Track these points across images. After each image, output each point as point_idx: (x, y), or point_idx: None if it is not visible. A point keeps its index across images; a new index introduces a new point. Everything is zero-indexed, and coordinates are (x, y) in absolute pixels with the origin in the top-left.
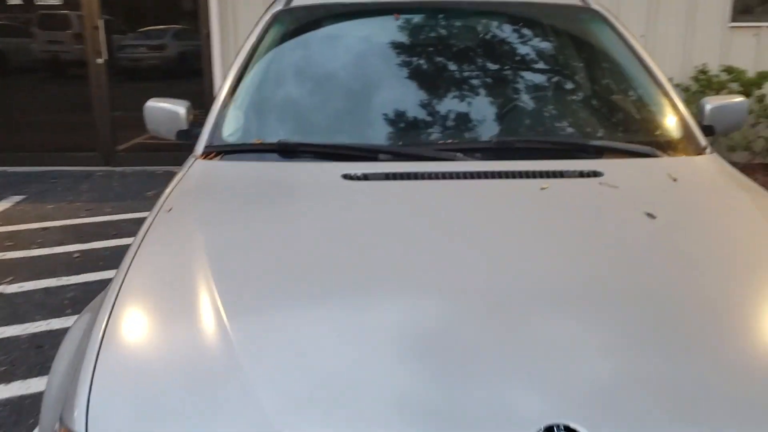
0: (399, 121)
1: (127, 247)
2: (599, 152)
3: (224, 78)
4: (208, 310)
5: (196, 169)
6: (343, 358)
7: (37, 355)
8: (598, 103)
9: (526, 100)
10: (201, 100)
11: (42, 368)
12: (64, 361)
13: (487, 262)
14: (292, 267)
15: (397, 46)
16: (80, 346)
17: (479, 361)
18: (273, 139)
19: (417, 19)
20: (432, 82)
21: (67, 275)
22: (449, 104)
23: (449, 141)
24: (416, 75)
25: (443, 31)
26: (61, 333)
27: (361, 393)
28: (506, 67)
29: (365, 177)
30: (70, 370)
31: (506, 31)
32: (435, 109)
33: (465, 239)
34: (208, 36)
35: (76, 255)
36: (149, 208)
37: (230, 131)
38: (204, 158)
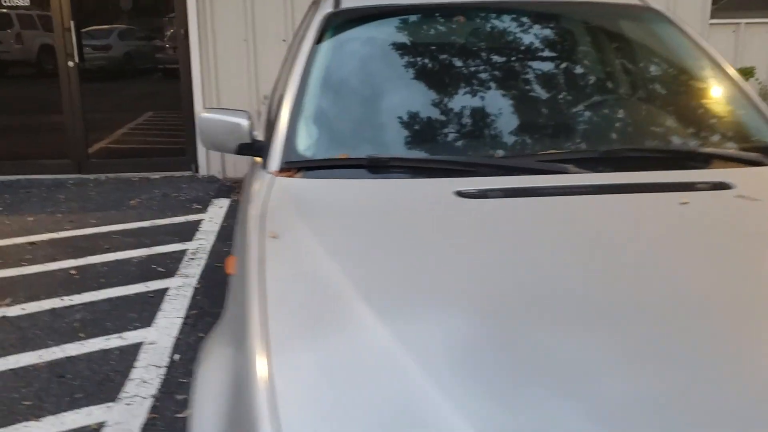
0: (491, 131)
1: (125, 261)
2: (706, 161)
3: (285, 86)
4: (386, 348)
5: (281, 187)
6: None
7: (61, 387)
8: (693, 108)
9: (622, 107)
10: (178, 101)
11: (71, 401)
12: (210, 424)
13: (656, 288)
14: (452, 293)
15: (469, 50)
16: (235, 411)
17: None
18: (354, 152)
19: (478, 20)
20: (516, 86)
21: (69, 294)
22: (544, 111)
23: (553, 151)
24: (497, 79)
25: (510, 33)
26: (81, 359)
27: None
28: (591, 71)
29: (484, 195)
30: None
31: (580, 33)
32: (531, 117)
33: (624, 261)
34: (186, 35)
35: (72, 272)
36: (136, 219)
37: (305, 145)
38: (281, 175)
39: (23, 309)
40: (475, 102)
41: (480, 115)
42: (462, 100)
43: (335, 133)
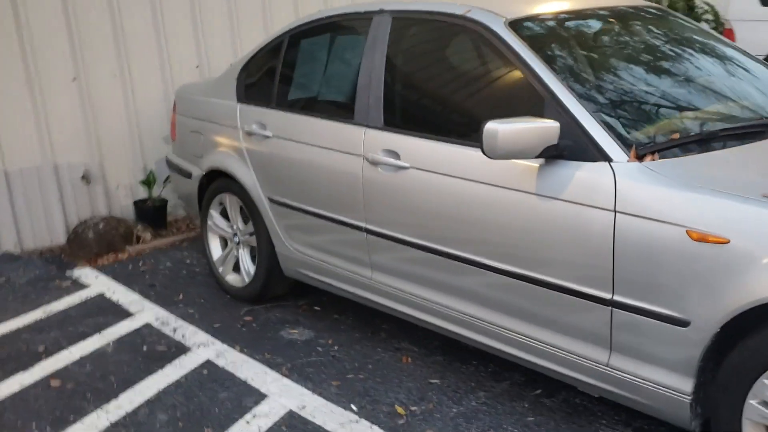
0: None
1: (99, 354)
2: None
3: (549, 92)
4: None
5: (666, 168)
6: None
7: None
8: None
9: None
10: None
11: None
12: None
13: None
14: None
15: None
16: None
17: None
18: (662, 129)
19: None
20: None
21: (99, 404)
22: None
23: None
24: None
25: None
26: None
27: None
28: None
29: None
30: None
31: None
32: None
33: None
34: None
35: (53, 384)
36: (11, 314)
37: (629, 132)
38: (639, 161)
39: None
40: (703, 74)
41: (721, 83)
42: (689, 74)
43: (638, 116)
